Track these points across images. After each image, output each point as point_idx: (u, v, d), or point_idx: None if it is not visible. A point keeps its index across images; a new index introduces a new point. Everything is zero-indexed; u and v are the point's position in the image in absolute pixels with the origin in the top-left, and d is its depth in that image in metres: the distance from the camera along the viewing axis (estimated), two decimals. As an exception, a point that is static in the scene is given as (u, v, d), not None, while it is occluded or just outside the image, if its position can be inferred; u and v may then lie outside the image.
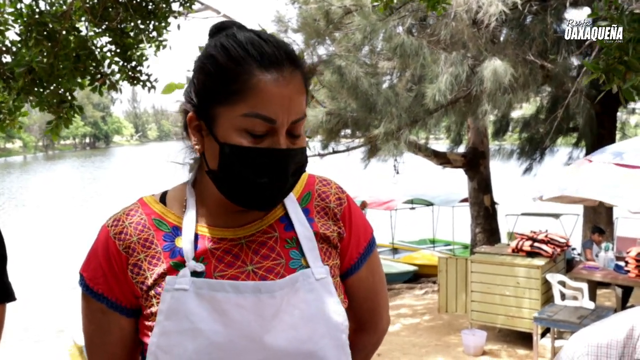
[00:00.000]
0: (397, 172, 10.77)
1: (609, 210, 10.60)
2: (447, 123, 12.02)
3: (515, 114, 12.67)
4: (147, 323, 1.10)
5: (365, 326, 1.33)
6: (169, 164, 1.25)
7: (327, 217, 1.21)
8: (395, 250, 15.21)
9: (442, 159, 11.83)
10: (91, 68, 5.06)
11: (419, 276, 13.09)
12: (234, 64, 1.03)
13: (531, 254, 7.34)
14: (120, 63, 5.34)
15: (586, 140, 10.98)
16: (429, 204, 15.51)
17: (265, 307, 1.07)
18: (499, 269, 7.40)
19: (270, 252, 1.13)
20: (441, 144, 15.19)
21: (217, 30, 1.14)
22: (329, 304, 1.12)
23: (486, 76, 7.29)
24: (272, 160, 1.04)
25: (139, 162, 63.70)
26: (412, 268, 13.14)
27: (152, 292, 1.09)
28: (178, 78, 4.40)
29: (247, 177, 1.05)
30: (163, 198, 1.19)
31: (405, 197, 15.14)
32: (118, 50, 5.30)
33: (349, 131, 10.23)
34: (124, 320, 1.13)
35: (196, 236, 1.12)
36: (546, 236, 7.55)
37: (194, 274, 1.08)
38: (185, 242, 1.10)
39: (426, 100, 7.76)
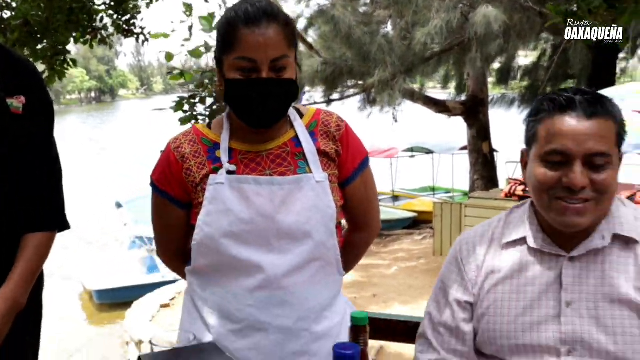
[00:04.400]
0: (396, 121, 10.86)
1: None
2: (444, 71, 12.01)
3: (521, 62, 12.61)
4: (196, 211, 1.58)
5: (359, 226, 1.78)
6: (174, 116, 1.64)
7: (328, 138, 1.64)
8: (395, 198, 15.41)
9: (441, 107, 11.85)
10: (85, 22, 5.16)
11: (419, 222, 13.32)
12: (228, 24, 1.49)
13: (523, 199, 7.47)
14: (115, 16, 5.44)
15: (584, 87, 10.94)
16: (429, 152, 15.61)
17: (276, 195, 1.53)
18: (493, 214, 7.35)
19: (283, 161, 1.59)
20: (444, 93, 15.15)
21: None
22: (325, 200, 1.57)
23: (477, 23, 7.30)
24: (257, 85, 1.49)
25: (145, 114, 63.53)
26: (411, 215, 13.37)
27: (199, 188, 1.58)
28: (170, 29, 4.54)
29: (243, 98, 1.51)
30: (209, 125, 1.68)
31: (405, 146, 15.24)
32: (112, 3, 5.39)
33: (351, 82, 10.25)
34: (180, 211, 1.64)
35: (230, 149, 1.59)
36: (538, 181, 7.65)
37: (228, 173, 1.54)
38: (222, 152, 1.58)
39: (416, 44, 7.80)
